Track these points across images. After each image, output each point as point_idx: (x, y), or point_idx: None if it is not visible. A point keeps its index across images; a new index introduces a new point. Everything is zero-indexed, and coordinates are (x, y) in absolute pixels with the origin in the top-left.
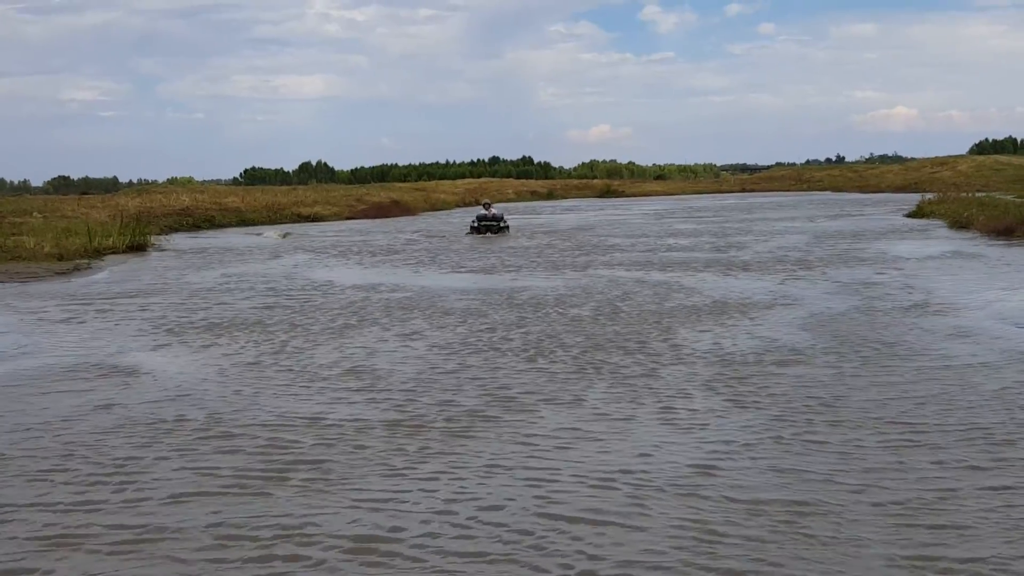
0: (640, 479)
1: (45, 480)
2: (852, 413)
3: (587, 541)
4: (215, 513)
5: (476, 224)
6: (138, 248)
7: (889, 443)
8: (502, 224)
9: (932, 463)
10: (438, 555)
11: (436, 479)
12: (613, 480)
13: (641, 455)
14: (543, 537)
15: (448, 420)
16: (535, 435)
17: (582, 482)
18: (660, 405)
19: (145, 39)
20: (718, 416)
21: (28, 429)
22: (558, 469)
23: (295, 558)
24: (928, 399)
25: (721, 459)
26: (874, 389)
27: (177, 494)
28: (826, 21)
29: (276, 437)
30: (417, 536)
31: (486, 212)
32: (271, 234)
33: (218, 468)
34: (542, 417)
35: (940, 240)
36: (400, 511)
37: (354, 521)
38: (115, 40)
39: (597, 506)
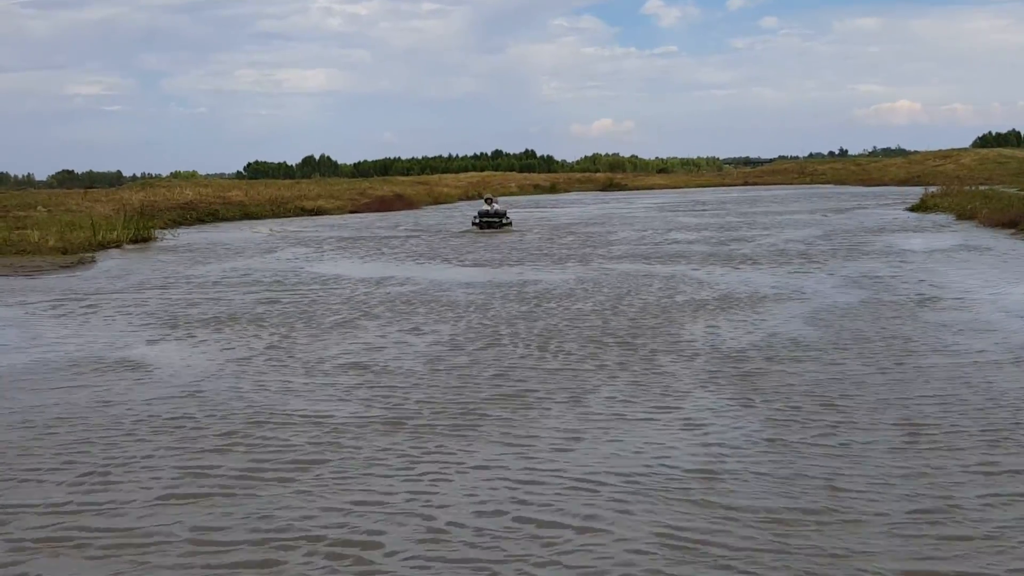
0: (640, 482)
1: (37, 479)
2: (861, 413)
3: (578, 546)
4: (208, 515)
5: (478, 220)
6: (142, 242)
7: (899, 445)
8: (504, 221)
9: (943, 467)
10: (428, 560)
11: (433, 481)
12: (611, 484)
13: (642, 457)
14: (531, 542)
15: (448, 418)
16: (535, 435)
17: (578, 485)
18: (663, 404)
19: (149, 34)
20: (721, 416)
21: (25, 425)
22: (555, 471)
23: (284, 561)
24: (941, 398)
25: (722, 462)
26: (884, 388)
27: (172, 494)
28: (829, 15)
29: (273, 435)
30: (408, 540)
31: (488, 208)
32: (263, 229)
33: (214, 467)
34: (544, 417)
35: (945, 233)
36: (394, 512)
37: (344, 523)
38: (119, 35)
39: (592, 510)
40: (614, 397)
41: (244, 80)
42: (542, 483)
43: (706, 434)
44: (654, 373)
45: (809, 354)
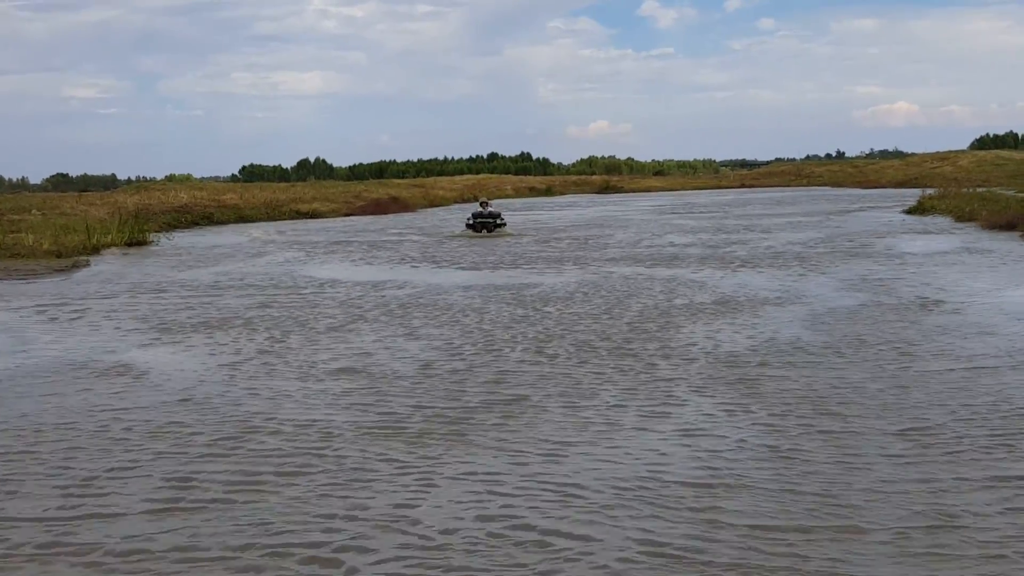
0: (632, 492)
1: (25, 488)
2: (861, 421)
3: (567, 557)
4: (198, 525)
5: (472, 221)
6: (137, 245)
7: (900, 455)
8: (499, 221)
9: (947, 478)
10: (415, 571)
11: (424, 489)
12: (603, 493)
13: (636, 466)
14: (518, 553)
15: (442, 425)
16: (529, 443)
17: (570, 494)
18: (659, 411)
19: (146, 36)
20: (717, 424)
21: (14, 433)
22: (547, 480)
23: (275, 573)
24: (944, 405)
25: (716, 472)
26: (886, 394)
27: (162, 503)
28: (826, 16)
29: (265, 443)
30: (397, 550)
31: (482, 209)
32: (257, 233)
33: (205, 475)
34: (538, 424)
35: (945, 235)
36: (384, 522)
37: (335, 534)
38: (116, 38)
39: (583, 521)
40: (610, 404)
41: (240, 83)
42: (533, 493)
43: (701, 443)
44: (651, 379)
45: (808, 359)
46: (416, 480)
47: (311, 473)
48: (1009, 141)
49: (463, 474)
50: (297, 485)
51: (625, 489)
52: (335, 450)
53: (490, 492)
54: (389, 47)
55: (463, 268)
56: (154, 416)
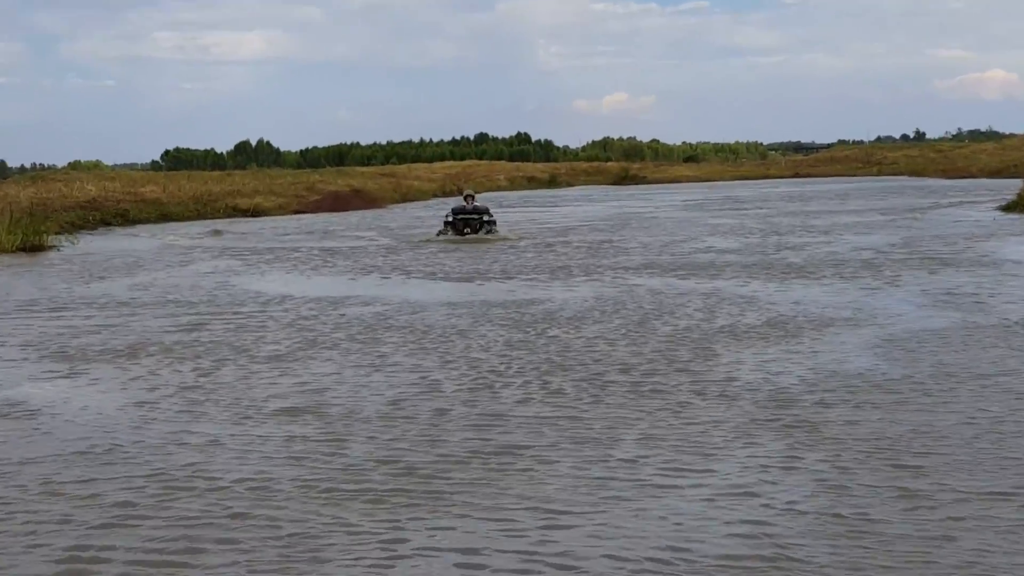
0: (653, 571)
1: None
2: (950, 478)
3: None
4: None
5: (452, 219)
6: (31, 251)
7: (1002, 522)
8: (486, 219)
9: None
10: None
11: (387, 568)
12: (616, 575)
13: (659, 537)
14: None
15: (413, 483)
16: (523, 508)
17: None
18: (690, 465)
19: None
20: (764, 482)
21: None
22: (547, 556)
23: None
24: None
25: (760, 545)
26: (982, 444)
27: None
28: None
29: (187, 506)
30: None
31: (466, 204)
32: (183, 236)
33: (110, 549)
34: (537, 482)
35: None
36: None
37: None
38: None
39: None
40: (628, 456)
41: (162, 45)
42: (526, 573)
43: (742, 508)
44: (681, 423)
45: (883, 398)
46: (377, 555)
47: (246, 547)
48: None
49: (437, 548)
50: (235, 564)
51: (643, 570)
52: (277, 515)
53: (474, 571)
54: (351, 0)
55: (444, 280)
56: (49, 471)
